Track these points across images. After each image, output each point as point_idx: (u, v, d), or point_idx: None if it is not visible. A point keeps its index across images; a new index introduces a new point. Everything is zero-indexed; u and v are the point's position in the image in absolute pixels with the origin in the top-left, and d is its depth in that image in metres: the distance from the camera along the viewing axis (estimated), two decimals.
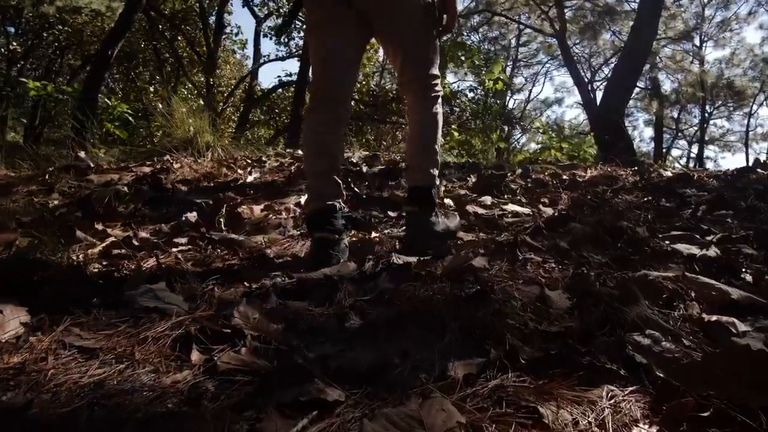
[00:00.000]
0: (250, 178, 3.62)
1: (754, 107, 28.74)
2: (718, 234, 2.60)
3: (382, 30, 2.27)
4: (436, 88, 2.36)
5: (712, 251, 2.38)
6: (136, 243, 2.26)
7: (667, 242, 2.57)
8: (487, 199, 3.28)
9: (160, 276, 1.69)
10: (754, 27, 53.64)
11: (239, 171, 3.83)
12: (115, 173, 3.70)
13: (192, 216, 2.55)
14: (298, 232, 2.50)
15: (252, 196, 3.13)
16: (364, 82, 20.23)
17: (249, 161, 4.33)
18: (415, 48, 2.27)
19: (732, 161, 47.11)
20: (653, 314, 1.66)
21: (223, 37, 21.88)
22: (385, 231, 2.61)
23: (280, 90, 21.90)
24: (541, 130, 10.98)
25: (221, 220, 2.45)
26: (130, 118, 9.39)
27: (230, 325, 1.32)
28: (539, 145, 10.57)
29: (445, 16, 2.31)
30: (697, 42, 26.15)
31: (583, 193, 3.50)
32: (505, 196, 3.45)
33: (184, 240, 2.23)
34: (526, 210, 3.09)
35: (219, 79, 21.11)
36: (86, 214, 2.75)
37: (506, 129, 23.93)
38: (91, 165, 4.02)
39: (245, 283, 1.69)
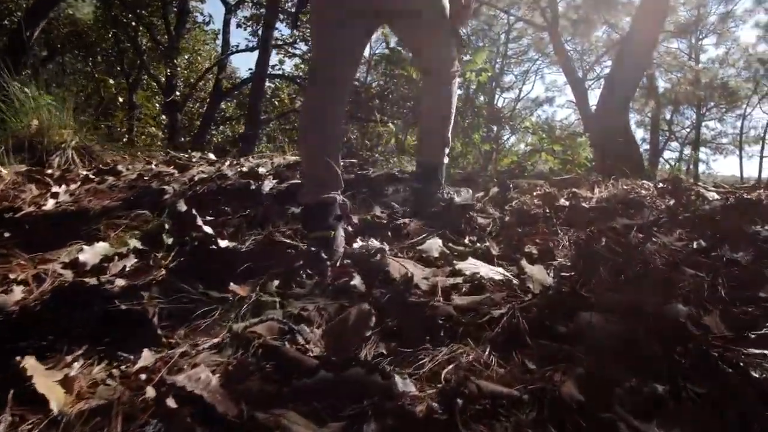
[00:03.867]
0: (50, 204, 2.24)
1: (748, 109, 27.69)
2: None
3: (394, 18, 2.29)
4: (453, 70, 2.42)
5: None
6: None
7: None
8: (434, 247, 1.92)
9: None
10: (750, 25, 52.65)
11: (55, 189, 2.44)
12: None
13: None
14: None
15: (9, 242, 1.74)
16: None
17: (83, 173, 2.93)
18: (429, 33, 2.28)
19: (724, 164, 46.23)
20: None
21: (195, 26, 20.48)
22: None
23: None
24: (530, 130, 9.64)
25: None
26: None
27: None
28: (528, 147, 9.19)
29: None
30: (693, 40, 25.05)
31: (595, 233, 2.15)
32: (467, 240, 2.09)
33: None
34: (497, 273, 1.72)
35: (189, 72, 19.63)
36: None
37: (494, 129, 22.65)
38: None
39: None
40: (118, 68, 18.26)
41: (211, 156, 4.34)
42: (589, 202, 2.74)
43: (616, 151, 7.20)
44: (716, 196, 2.85)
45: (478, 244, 2.02)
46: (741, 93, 24.63)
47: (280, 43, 17.84)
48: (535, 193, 2.83)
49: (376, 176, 3.41)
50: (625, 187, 3.08)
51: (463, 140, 8.71)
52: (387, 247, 1.90)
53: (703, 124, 28.93)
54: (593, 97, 23.75)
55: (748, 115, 28.41)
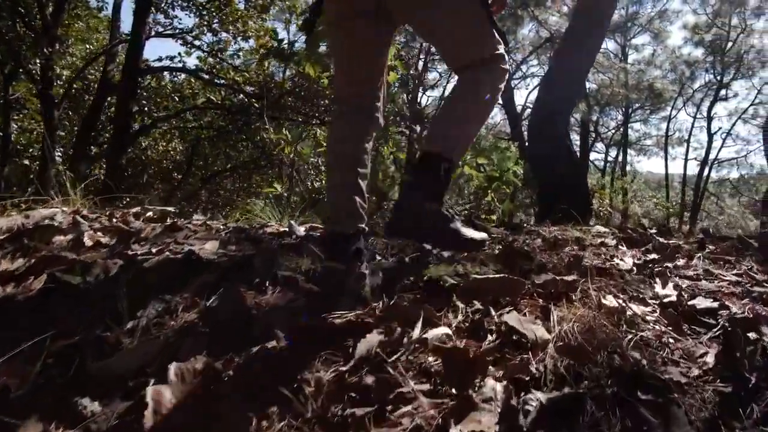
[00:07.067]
0: None
1: (673, 111, 27.53)
2: None
3: (409, 20, 2.01)
4: (493, 56, 1.90)
5: None
6: None
7: None
8: None
9: None
10: (678, 27, 53.67)
11: None
12: None
13: None
14: None
15: None
16: (258, 72, 17.15)
17: None
18: (452, 38, 1.93)
19: (647, 164, 46.93)
20: None
21: (86, 12, 18.23)
22: None
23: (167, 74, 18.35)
24: None
25: None
26: None
27: None
28: None
29: None
30: (622, 39, 24.54)
31: None
32: None
33: None
34: None
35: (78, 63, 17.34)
36: None
37: (417, 129, 21.24)
38: None
39: None
40: None
41: None
42: (539, 361, 1.29)
43: (559, 181, 5.83)
44: None
45: None
46: (666, 95, 24.27)
47: (177, 32, 15.93)
48: (434, 343, 1.35)
49: (152, 265, 1.86)
50: (609, 302, 1.63)
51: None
52: None
53: (628, 125, 28.65)
54: (518, 97, 22.82)
55: (674, 117, 28.33)
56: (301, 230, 2.68)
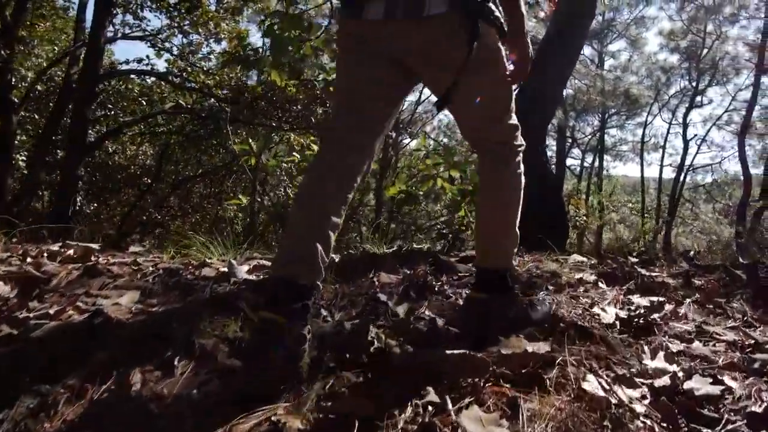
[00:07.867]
0: None
1: (649, 117, 27.56)
2: None
3: (430, 86, 1.84)
4: (512, 146, 1.90)
5: None
6: None
7: None
8: None
9: None
10: (654, 33, 54.10)
11: None
12: None
13: None
14: None
15: None
16: (230, 75, 16.73)
17: None
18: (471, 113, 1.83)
19: (623, 170, 47.11)
20: None
21: (51, 13, 17.67)
22: None
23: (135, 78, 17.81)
24: (422, 152, 7.99)
25: None
26: None
27: None
28: (422, 173, 7.47)
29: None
30: (599, 45, 24.51)
31: None
32: None
33: None
34: None
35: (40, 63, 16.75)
36: None
37: (393, 135, 20.92)
38: None
39: None
40: None
41: None
42: None
43: (534, 205, 5.56)
44: None
45: None
46: (642, 101, 24.26)
47: (146, 34, 15.50)
48: None
49: (44, 334, 1.54)
50: (590, 386, 1.33)
51: None
52: None
53: (605, 131, 28.64)
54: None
55: (649, 123, 28.37)
56: (243, 271, 2.37)
